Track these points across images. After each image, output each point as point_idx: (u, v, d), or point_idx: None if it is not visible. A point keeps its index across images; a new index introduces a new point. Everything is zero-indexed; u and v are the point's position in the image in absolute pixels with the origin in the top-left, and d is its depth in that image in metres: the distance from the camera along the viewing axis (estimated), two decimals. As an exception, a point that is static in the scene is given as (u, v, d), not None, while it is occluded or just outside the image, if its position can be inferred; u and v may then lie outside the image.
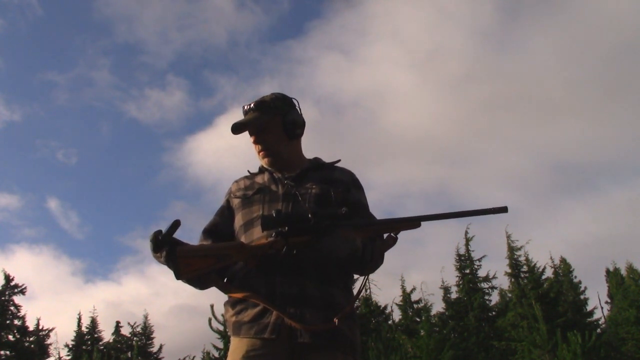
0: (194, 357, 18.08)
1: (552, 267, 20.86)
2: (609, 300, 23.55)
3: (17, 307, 19.81)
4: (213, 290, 1.76)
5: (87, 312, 26.29)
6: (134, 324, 22.12)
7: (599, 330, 15.46)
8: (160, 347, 21.71)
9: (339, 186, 1.82)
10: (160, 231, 1.54)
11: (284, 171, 1.88)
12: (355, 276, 1.88)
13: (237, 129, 1.82)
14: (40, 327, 20.39)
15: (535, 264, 16.35)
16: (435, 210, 2.00)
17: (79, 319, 22.31)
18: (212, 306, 11.60)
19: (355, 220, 1.71)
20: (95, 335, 22.31)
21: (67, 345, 21.46)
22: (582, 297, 19.36)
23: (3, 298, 19.58)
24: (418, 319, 16.77)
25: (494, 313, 17.50)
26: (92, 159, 50.07)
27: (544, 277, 16.14)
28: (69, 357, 21.17)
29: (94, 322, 22.58)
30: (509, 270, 17.27)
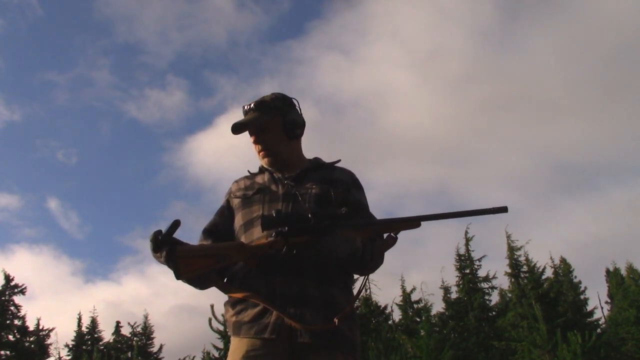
0: (194, 357, 18.10)
1: (552, 267, 20.90)
2: (609, 300, 23.56)
3: (17, 307, 19.82)
4: (213, 290, 1.76)
5: (87, 312, 26.30)
6: (134, 324, 22.15)
7: (599, 330, 15.46)
8: (160, 347, 21.74)
9: (339, 186, 1.82)
10: (160, 231, 1.54)
11: (284, 171, 1.88)
12: (355, 276, 1.88)
13: (237, 129, 1.82)
14: (40, 327, 20.40)
15: (535, 264, 16.36)
16: (435, 210, 2.00)
17: (79, 319, 22.34)
18: (212, 306, 11.61)
19: (355, 220, 1.71)
20: (95, 335, 22.32)
21: (67, 345, 21.47)
22: (582, 297, 19.37)
23: (3, 298, 19.58)
24: (418, 319, 16.77)
25: (494, 313, 17.50)
26: (92, 159, 50.14)
27: (544, 277, 16.14)
28: (69, 357, 21.18)
29: (94, 322, 22.59)
30: (509, 270, 17.27)
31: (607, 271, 25.09)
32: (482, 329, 16.66)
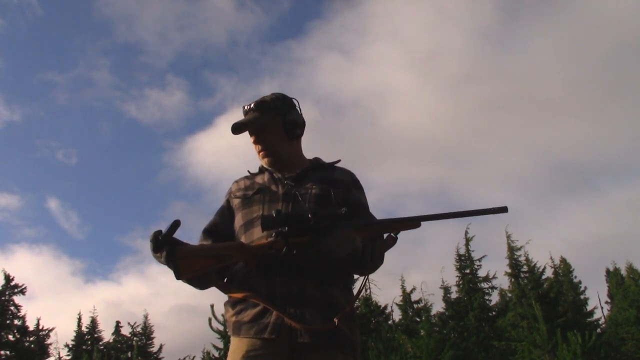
0: (194, 357, 18.09)
1: (552, 267, 20.91)
2: (609, 300, 23.56)
3: (17, 307, 19.82)
4: (213, 290, 1.76)
5: (87, 312, 26.30)
6: (134, 324, 22.15)
7: (599, 330, 15.47)
8: (160, 347, 21.74)
9: (339, 186, 1.82)
10: (160, 231, 1.54)
11: (284, 171, 1.88)
12: (355, 276, 1.88)
13: (237, 129, 1.82)
14: (40, 327, 20.40)
15: (535, 264, 16.36)
16: (435, 210, 2.00)
17: (79, 319, 22.33)
18: (212, 306, 11.60)
19: (355, 220, 1.71)
20: (95, 335, 22.31)
21: (67, 345, 21.47)
22: (582, 297, 19.38)
23: (3, 298, 19.58)
24: (418, 319, 16.77)
25: (494, 313, 17.50)
26: (92, 159, 50.15)
27: (544, 277, 16.14)
28: (69, 357, 21.17)
29: (94, 322, 22.59)
30: (509, 270, 17.27)
31: (607, 271, 25.10)
32: (482, 329, 16.66)
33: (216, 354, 12.89)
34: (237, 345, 1.65)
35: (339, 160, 1.96)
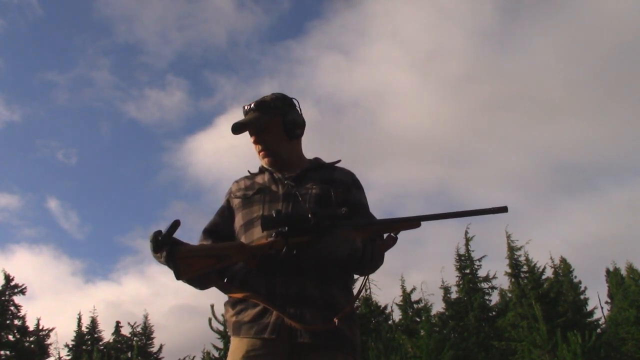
0: (194, 357, 18.05)
1: (552, 267, 20.90)
2: (609, 300, 23.56)
3: (17, 307, 19.82)
4: (213, 290, 1.76)
5: (87, 312, 26.30)
6: (134, 324, 22.14)
7: (599, 330, 15.47)
8: (160, 347, 21.73)
9: (339, 186, 1.82)
10: (160, 231, 1.54)
11: (284, 171, 1.88)
12: (355, 276, 1.88)
13: (237, 129, 1.82)
14: (40, 327, 20.40)
15: (535, 264, 16.36)
16: (435, 210, 2.00)
17: (79, 319, 22.34)
18: (212, 306, 11.62)
19: (355, 220, 1.71)
20: (95, 335, 22.32)
21: (67, 345, 21.47)
22: (582, 297, 19.38)
23: (3, 298, 19.58)
24: (418, 319, 16.77)
25: (494, 313, 17.50)
26: (92, 159, 50.14)
27: (544, 277, 16.15)
28: (69, 357, 21.17)
29: (94, 322, 22.59)
30: (509, 270, 17.26)
31: (607, 271, 25.09)
32: (482, 329, 16.66)
33: (216, 354, 12.90)
34: (237, 345, 1.65)
35: (339, 161, 1.96)
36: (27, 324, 19.95)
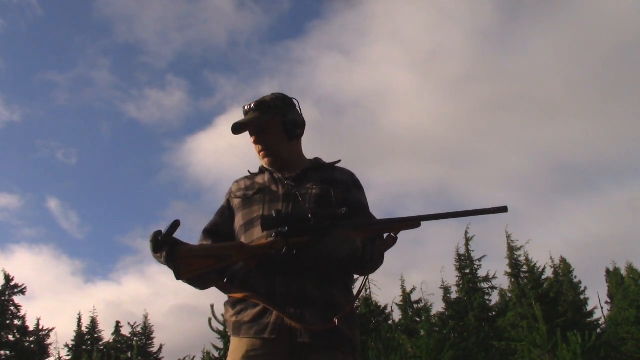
0: (194, 357, 18.11)
1: (552, 267, 20.93)
2: (609, 300, 23.57)
3: (17, 307, 19.83)
4: (213, 290, 1.76)
5: (87, 312, 26.34)
6: (134, 324, 22.16)
7: (599, 330, 15.47)
8: (160, 347, 21.74)
9: (339, 186, 1.82)
10: (160, 231, 1.54)
11: (284, 171, 1.88)
12: (355, 276, 1.88)
13: (237, 129, 1.82)
14: (40, 327, 20.41)
15: (535, 264, 16.37)
16: (435, 210, 2.00)
17: (79, 319, 22.35)
18: (212, 306, 11.61)
19: (355, 220, 1.71)
20: (95, 335, 22.32)
21: (67, 345, 21.48)
22: (582, 297, 19.38)
23: (3, 298, 19.58)
24: (418, 319, 16.78)
25: (494, 313, 17.50)
26: (92, 159, 50.18)
27: (544, 277, 16.15)
28: (69, 357, 21.18)
29: (94, 322, 22.60)
30: (509, 270, 17.28)
31: (607, 271, 25.10)
32: (482, 329, 16.66)
33: (216, 354, 12.90)
34: (237, 345, 1.65)
35: (339, 161, 1.96)
36: (27, 324, 19.99)
